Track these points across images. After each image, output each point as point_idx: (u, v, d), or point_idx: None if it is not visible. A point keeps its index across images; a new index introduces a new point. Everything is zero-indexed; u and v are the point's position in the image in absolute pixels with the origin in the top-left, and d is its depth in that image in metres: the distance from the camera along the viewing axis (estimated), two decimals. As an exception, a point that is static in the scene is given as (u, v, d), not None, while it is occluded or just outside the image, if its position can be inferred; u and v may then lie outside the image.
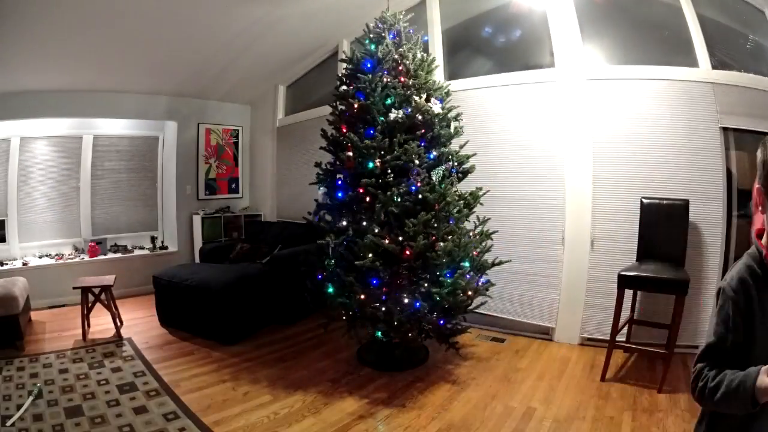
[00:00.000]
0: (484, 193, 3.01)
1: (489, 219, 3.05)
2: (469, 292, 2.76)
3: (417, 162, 2.55)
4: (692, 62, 3.02)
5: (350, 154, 2.64)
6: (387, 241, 2.51)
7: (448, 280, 2.59)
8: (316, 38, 4.54)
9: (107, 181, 4.98)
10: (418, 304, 2.55)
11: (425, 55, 2.95)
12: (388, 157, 2.60)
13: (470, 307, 2.88)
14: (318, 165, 2.96)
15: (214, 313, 3.38)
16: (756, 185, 0.95)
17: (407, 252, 2.50)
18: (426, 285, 2.61)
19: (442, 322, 2.74)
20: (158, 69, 4.41)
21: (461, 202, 2.84)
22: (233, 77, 5.00)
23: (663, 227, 2.89)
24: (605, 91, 3.20)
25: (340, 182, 2.75)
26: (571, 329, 3.31)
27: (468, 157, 2.94)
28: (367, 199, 2.56)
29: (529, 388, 2.66)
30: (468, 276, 2.71)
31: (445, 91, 2.97)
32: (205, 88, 5.17)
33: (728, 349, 0.95)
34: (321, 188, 2.97)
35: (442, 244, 2.55)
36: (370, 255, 2.52)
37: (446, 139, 2.87)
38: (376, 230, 2.51)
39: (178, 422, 2.24)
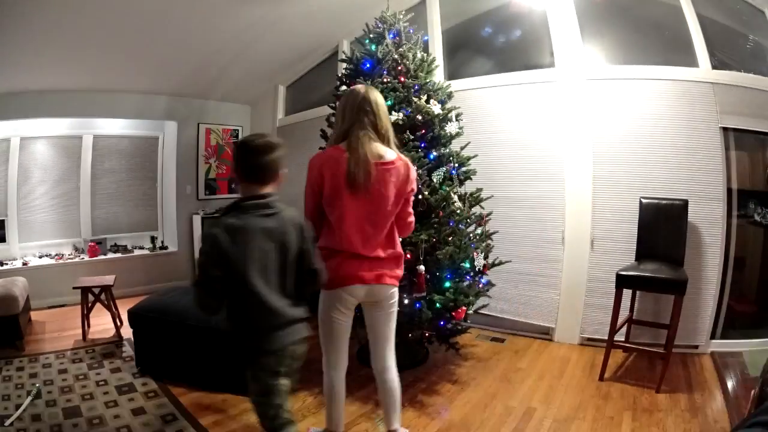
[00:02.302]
0: (486, 198, 2.97)
1: (491, 213, 2.99)
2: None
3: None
4: (692, 62, 3.01)
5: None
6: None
7: (448, 284, 2.59)
8: (316, 38, 4.54)
9: (107, 181, 4.97)
10: (418, 305, 2.55)
11: (425, 55, 2.93)
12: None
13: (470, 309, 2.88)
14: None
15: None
16: None
17: (408, 255, 2.50)
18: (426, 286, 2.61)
19: (442, 322, 2.73)
20: (158, 69, 4.41)
21: (461, 203, 2.83)
22: (233, 77, 5.00)
23: (662, 227, 2.89)
24: (605, 91, 3.20)
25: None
26: (571, 329, 3.31)
27: (469, 158, 2.93)
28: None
29: (529, 388, 2.66)
30: (468, 278, 2.70)
31: (447, 92, 2.95)
32: (205, 88, 5.16)
33: None
34: None
35: (444, 249, 2.55)
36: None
37: (447, 140, 2.86)
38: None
39: (177, 423, 2.24)
